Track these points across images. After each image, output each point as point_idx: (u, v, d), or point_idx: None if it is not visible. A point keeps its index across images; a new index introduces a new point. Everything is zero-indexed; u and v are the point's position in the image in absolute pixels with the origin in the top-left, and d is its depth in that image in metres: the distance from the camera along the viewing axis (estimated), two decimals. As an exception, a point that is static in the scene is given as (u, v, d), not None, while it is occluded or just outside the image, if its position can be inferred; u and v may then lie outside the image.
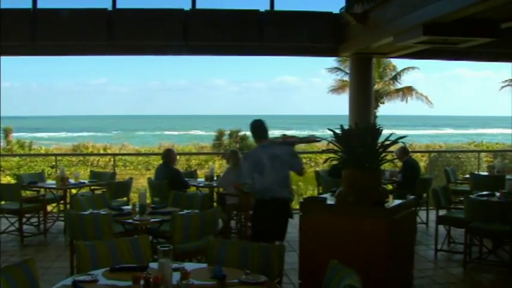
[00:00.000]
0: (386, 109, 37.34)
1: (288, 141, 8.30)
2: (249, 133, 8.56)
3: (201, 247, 7.66)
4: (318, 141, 8.75)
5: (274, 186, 7.85)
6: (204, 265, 5.33)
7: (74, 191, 12.73)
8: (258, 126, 8.13)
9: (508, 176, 12.27)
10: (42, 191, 12.39)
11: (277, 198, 7.90)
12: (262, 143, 8.07)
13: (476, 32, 10.53)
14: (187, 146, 43.63)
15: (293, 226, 8.61)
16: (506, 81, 36.70)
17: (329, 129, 7.54)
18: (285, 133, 8.57)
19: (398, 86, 36.21)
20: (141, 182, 19.10)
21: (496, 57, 16.63)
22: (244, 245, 5.69)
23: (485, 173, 13.77)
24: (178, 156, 15.62)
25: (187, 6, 14.44)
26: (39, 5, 13.95)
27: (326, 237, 7.31)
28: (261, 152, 7.97)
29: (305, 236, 7.57)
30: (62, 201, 12.65)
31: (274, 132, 9.63)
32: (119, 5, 14.20)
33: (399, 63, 36.53)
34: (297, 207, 8.74)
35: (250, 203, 8.67)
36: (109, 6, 14.15)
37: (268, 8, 14.72)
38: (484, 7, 8.93)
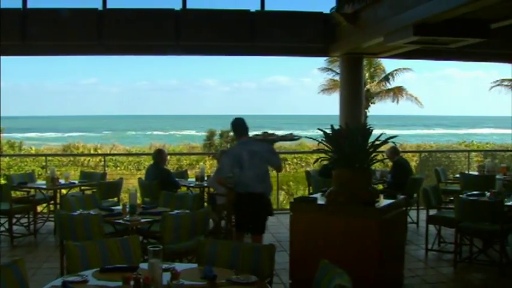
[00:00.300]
0: (377, 109, 37.43)
1: (268, 139, 8.64)
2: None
3: (191, 247, 7.64)
4: (296, 139, 9.03)
5: (252, 182, 8.21)
6: (195, 265, 5.31)
7: (64, 191, 12.70)
8: (238, 125, 8.49)
9: (498, 176, 12.33)
10: (32, 191, 12.36)
11: (254, 192, 8.25)
12: (242, 140, 8.44)
13: (466, 32, 10.56)
14: (178, 146, 43.60)
15: (284, 226, 8.63)
16: (496, 81, 36.80)
17: (319, 129, 7.57)
18: (266, 131, 8.95)
19: (389, 86, 36.28)
20: (132, 182, 19.06)
21: (486, 58, 16.68)
22: (235, 245, 5.69)
23: (476, 173, 13.80)
24: (169, 157, 15.65)
25: (178, 6, 14.44)
26: (29, 5, 13.92)
27: (316, 237, 7.32)
28: (240, 148, 8.34)
29: (296, 236, 7.58)
30: (52, 202, 12.62)
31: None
32: (109, 5, 14.18)
33: (390, 63, 36.66)
34: (288, 207, 8.75)
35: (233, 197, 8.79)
36: (99, 6, 14.12)
37: (259, 8, 14.72)
38: (473, 7, 8.96)
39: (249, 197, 8.28)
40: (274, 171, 8.97)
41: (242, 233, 8.80)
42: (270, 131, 9.00)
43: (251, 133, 8.70)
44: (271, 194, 8.91)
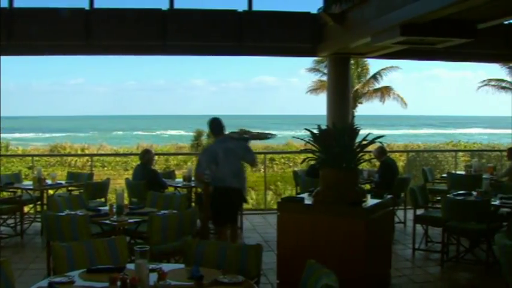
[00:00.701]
0: (364, 109, 37.51)
1: (243, 137, 9.04)
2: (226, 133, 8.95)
3: (178, 248, 7.63)
4: (270, 137, 9.47)
5: (228, 177, 8.69)
6: (182, 266, 5.31)
7: (51, 191, 12.64)
8: (215, 124, 8.98)
9: (484, 176, 12.35)
10: (18, 192, 12.29)
11: (230, 187, 8.74)
12: (218, 138, 8.91)
13: (453, 33, 10.59)
14: (165, 146, 43.53)
15: (271, 226, 8.65)
16: (483, 81, 36.94)
17: (307, 130, 7.58)
18: (242, 128, 9.26)
19: (377, 86, 36.37)
20: (119, 183, 19.01)
21: (473, 58, 16.74)
22: (222, 245, 5.68)
23: (463, 173, 13.83)
24: (156, 157, 15.61)
25: (165, 6, 14.42)
26: (16, 4, 13.87)
27: (304, 237, 7.33)
28: (217, 146, 8.84)
29: (283, 236, 7.58)
30: (38, 202, 12.57)
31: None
32: (96, 5, 14.14)
33: (378, 63, 36.73)
34: (275, 207, 8.78)
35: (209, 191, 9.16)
36: (86, 6, 14.08)
37: (246, 8, 14.72)
38: (460, 8, 8.99)
39: (226, 191, 8.76)
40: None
41: (222, 227, 9.08)
42: (247, 129, 9.25)
43: (230, 131, 9.17)
44: (246, 187, 9.51)
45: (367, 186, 12.33)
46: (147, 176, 11.23)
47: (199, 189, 11.39)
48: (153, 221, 7.49)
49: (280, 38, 14.72)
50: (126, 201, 9.64)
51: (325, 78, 31.63)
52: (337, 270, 4.38)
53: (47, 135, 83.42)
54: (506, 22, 12.66)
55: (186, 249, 5.59)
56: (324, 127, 7.57)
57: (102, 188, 12.12)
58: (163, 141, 55.66)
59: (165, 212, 8.16)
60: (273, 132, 9.49)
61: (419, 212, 10.40)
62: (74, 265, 5.20)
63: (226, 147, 8.72)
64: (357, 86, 35.12)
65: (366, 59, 32.95)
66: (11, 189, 12.28)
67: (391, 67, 36.09)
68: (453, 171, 15.44)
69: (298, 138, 8.18)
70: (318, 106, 24.72)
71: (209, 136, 40.72)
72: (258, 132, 9.39)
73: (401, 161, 23.60)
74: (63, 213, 8.06)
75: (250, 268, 5.23)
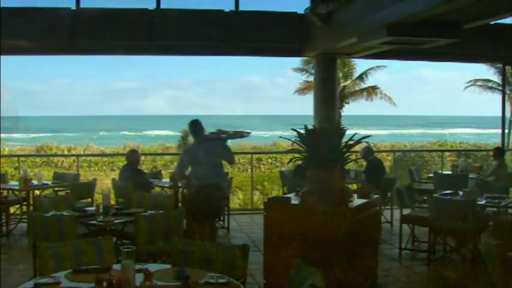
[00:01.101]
0: (352, 109, 37.58)
1: (221, 136, 9.36)
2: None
3: (165, 248, 7.62)
4: (246, 136, 9.79)
5: (208, 175, 9.01)
6: (168, 266, 5.29)
7: (37, 192, 12.59)
8: (195, 125, 9.35)
9: (471, 175, 12.42)
10: (4, 192, 12.23)
11: (211, 184, 9.00)
12: (198, 139, 9.28)
13: (439, 33, 10.62)
14: (152, 147, 43.44)
15: (258, 226, 8.66)
16: (469, 81, 37.14)
17: (293, 130, 7.60)
18: (219, 129, 9.54)
19: (363, 85, 36.47)
20: (106, 183, 18.96)
21: (459, 58, 16.81)
22: (209, 245, 5.67)
23: (449, 172, 13.89)
24: (143, 157, 15.59)
25: (151, 5, 14.38)
26: (3, 4, 13.80)
27: (290, 237, 7.32)
28: (197, 146, 9.27)
29: (270, 236, 7.58)
30: (24, 203, 12.51)
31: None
32: (82, 4, 14.09)
33: (365, 63, 36.81)
34: (262, 207, 8.79)
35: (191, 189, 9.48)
36: (73, 6, 14.03)
37: (233, 8, 14.70)
38: (446, 8, 9.01)
39: (206, 189, 8.95)
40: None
41: (202, 222, 9.24)
42: (223, 129, 9.64)
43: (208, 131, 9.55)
44: (225, 182, 10.37)
45: (354, 186, 12.36)
46: (134, 176, 11.21)
47: (186, 190, 11.41)
48: (140, 221, 7.49)
49: (267, 38, 14.70)
50: (112, 202, 9.62)
51: (312, 78, 31.69)
52: (324, 270, 4.38)
53: (33, 135, 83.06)
54: (492, 22, 12.69)
55: (173, 250, 5.58)
56: (310, 127, 7.59)
57: (88, 188, 12.09)
58: (150, 141, 55.54)
59: (152, 212, 8.17)
60: (248, 131, 9.78)
61: (406, 211, 10.43)
62: (60, 266, 5.18)
63: (206, 147, 9.09)
64: (343, 86, 35.18)
65: (352, 59, 33.03)
66: (-4, 190, 12.23)
67: (378, 67, 36.21)
68: (440, 171, 15.50)
69: (285, 138, 8.20)
70: (305, 106, 24.75)
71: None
72: (235, 131, 9.65)
73: (388, 161, 23.64)
74: (49, 214, 8.05)
75: (236, 268, 5.22)
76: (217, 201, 9.34)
